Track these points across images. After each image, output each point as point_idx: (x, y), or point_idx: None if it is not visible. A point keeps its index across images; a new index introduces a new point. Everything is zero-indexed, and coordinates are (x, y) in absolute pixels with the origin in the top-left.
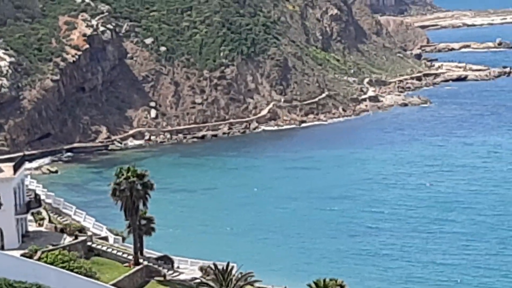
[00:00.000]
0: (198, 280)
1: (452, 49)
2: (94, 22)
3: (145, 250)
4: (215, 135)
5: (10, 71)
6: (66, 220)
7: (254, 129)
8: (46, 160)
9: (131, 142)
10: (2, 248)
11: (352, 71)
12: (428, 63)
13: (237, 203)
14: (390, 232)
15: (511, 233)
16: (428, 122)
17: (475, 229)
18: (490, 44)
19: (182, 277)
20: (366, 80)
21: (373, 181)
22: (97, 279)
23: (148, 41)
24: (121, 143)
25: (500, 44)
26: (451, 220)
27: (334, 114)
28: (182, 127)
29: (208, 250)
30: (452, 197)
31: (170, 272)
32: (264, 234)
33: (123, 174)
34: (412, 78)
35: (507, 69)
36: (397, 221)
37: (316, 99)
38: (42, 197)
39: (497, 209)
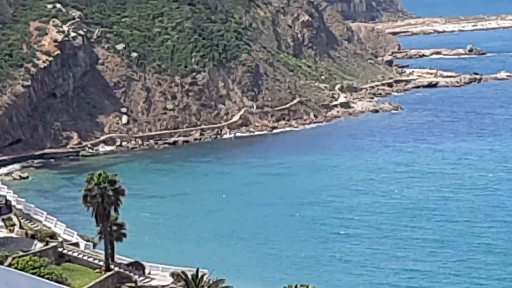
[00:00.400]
0: (169, 287)
1: (423, 55)
2: (65, 28)
3: (116, 256)
4: (187, 141)
5: None
6: (37, 226)
7: (225, 135)
8: (17, 166)
9: (102, 148)
10: None
11: (323, 77)
12: (399, 70)
13: (208, 209)
14: (360, 239)
15: (481, 240)
16: (399, 129)
17: (445, 235)
18: (461, 50)
19: (153, 283)
20: (338, 86)
21: (344, 187)
22: (68, 285)
23: (120, 47)
24: (92, 149)
25: (471, 50)
26: (421, 227)
27: (305, 120)
28: (153, 133)
29: (179, 256)
30: (422, 204)
31: (141, 278)
32: (235, 240)
33: (94, 180)
34: (383, 85)
35: (478, 76)
36: (367, 227)
37: (288, 105)
38: (13, 203)
39: (467, 216)
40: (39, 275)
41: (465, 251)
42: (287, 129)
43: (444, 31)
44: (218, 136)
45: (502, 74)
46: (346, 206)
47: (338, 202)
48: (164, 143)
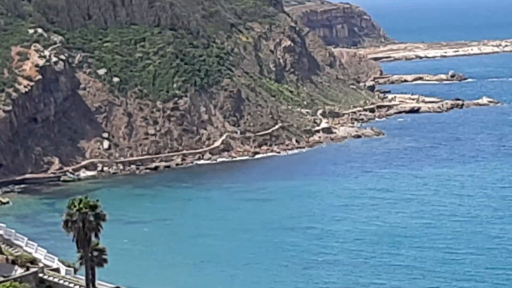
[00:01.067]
0: None
1: (405, 81)
2: (47, 52)
3: (97, 281)
4: (168, 166)
5: None
6: (18, 252)
7: (207, 160)
8: None
9: (84, 173)
10: None
11: (305, 102)
12: (381, 95)
13: (189, 234)
14: (340, 265)
15: (461, 266)
16: (381, 154)
17: (425, 262)
18: (443, 76)
19: None
20: (320, 111)
21: (324, 213)
22: None
23: (101, 72)
24: (73, 174)
25: (453, 76)
26: (401, 254)
27: (287, 145)
28: (135, 158)
29: (160, 282)
30: (402, 230)
31: None
32: (215, 266)
33: (75, 206)
34: (365, 110)
35: (460, 101)
36: (347, 253)
37: (270, 131)
38: None
39: (447, 243)
40: None
41: (446, 278)
42: (269, 154)
43: (426, 57)
44: (200, 162)
45: (484, 100)
46: (326, 232)
47: (318, 228)
48: (146, 168)
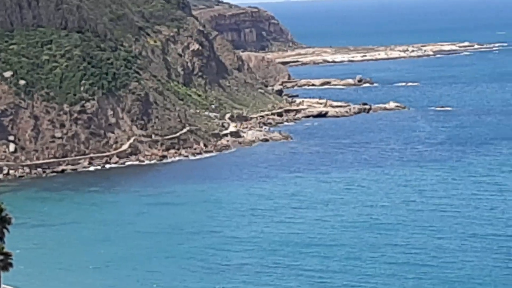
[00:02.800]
0: None
1: (313, 85)
2: None
3: (2, 286)
4: (75, 170)
5: None
6: None
7: (112, 164)
8: None
9: None
10: None
11: (213, 106)
12: (289, 99)
13: (96, 238)
14: (242, 270)
15: (363, 276)
16: (288, 159)
17: (324, 272)
18: (350, 80)
19: None
20: (228, 115)
21: (231, 217)
22: None
23: (7, 74)
24: None
25: (360, 81)
26: (303, 259)
27: (195, 149)
28: (41, 161)
29: (66, 286)
30: (304, 237)
31: None
32: (122, 270)
33: None
34: (273, 114)
35: (367, 106)
36: (251, 258)
37: (177, 134)
38: None
39: (347, 250)
40: None
41: (345, 286)
42: (177, 158)
43: (333, 61)
44: (107, 165)
45: (391, 105)
46: (230, 237)
47: (224, 233)
48: (52, 172)
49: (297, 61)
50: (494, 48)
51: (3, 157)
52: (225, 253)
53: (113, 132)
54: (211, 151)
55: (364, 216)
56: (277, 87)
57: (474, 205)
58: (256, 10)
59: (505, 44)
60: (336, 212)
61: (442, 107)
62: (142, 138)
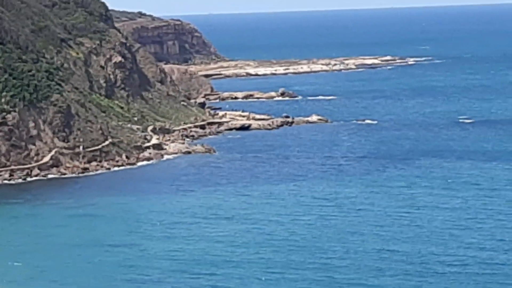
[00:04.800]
0: None
1: (236, 98)
2: None
3: None
4: None
5: None
6: None
7: (34, 176)
8: None
9: None
10: None
11: (136, 118)
12: (212, 112)
13: (16, 251)
14: (163, 284)
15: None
16: (209, 172)
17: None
18: (273, 93)
19: None
20: (150, 128)
21: (149, 231)
22: None
23: None
24: None
25: (283, 93)
26: (212, 273)
27: (117, 161)
28: None
29: None
30: (221, 250)
31: None
32: (41, 283)
33: None
34: (196, 127)
35: (290, 119)
36: (167, 273)
37: (100, 146)
38: None
39: (264, 264)
40: None
41: None
42: (99, 171)
43: (256, 74)
44: (28, 177)
45: (314, 118)
46: (148, 250)
47: (141, 246)
48: None
49: (220, 74)
50: (416, 63)
51: None
52: (143, 268)
53: (34, 144)
54: (133, 164)
55: (280, 232)
56: (200, 99)
57: (391, 220)
58: (179, 22)
59: (428, 58)
60: (252, 225)
61: (364, 120)
62: (64, 150)
